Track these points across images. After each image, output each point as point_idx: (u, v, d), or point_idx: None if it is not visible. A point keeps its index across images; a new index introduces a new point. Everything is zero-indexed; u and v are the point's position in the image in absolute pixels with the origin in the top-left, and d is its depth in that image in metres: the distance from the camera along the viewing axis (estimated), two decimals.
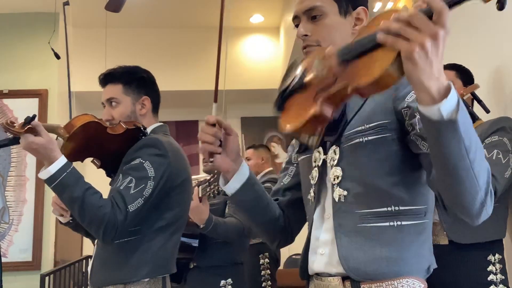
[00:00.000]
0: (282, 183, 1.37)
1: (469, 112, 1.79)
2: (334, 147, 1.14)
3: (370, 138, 1.08)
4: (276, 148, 6.06)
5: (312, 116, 0.98)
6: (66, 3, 3.38)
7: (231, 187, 1.19)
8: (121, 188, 1.62)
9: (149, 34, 5.77)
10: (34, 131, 1.53)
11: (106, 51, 4.50)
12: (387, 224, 1.05)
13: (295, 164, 1.35)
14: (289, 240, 1.34)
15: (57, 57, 3.61)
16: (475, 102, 1.96)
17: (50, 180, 1.55)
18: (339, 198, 1.10)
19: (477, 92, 1.91)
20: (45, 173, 1.55)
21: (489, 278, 1.77)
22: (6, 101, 4.96)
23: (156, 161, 1.68)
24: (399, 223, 1.05)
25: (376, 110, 1.09)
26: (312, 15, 1.18)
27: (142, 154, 1.69)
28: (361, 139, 1.09)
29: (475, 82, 1.96)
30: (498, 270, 1.78)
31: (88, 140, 1.68)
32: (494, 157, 1.77)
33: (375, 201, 1.07)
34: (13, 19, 5.09)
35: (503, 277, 1.78)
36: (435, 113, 0.84)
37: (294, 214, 1.32)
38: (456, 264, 1.80)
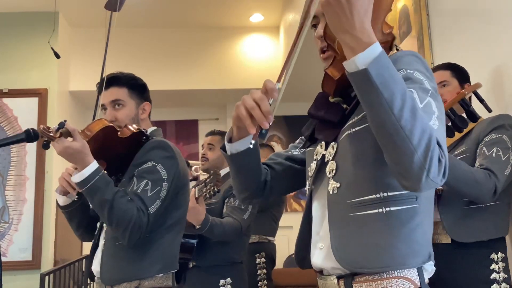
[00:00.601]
0: (290, 152, 1.40)
1: (470, 111, 1.79)
2: (333, 143, 1.17)
3: (357, 128, 1.11)
4: (276, 147, 6.06)
5: (325, 73, 1.17)
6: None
7: (234, 147, 1.20)
8: (139, 191, 1.69)
9: (149, 33, 5.77)
10: (67, 136, 1.60)
11: (106, 51, 4.49)
12: (376, 211, 1.05)
13: None
14: (261, 199, 1.36)
15: (57, 56, 3.60)
16: (477, 102, 1.95)
17: (83, 183, 1.63)
18: (333, 191, 1.12)
19: (478, 91, 1.90)
20: (78, 176, 1.63)
21: (491, 277, 1.76)
22: (6, 100, 4.96)
23: (167, 163, 1.76)
24: (387, 209, 1.05)
25: None
26: None
27: (153, 156, 1.75)
28: (349, 131, 1.12)
29: (476, 81, 1.95)
30: (501, 269, 1.77)
31: (102, 143, 1.75)
32: (494, 155, 1.77)
33: (364, 189, 1.08)
34: (13, 19, 5.09)
35: (506, 275, 1.77)
36: (352, 66, 0.94)
37: (283, 182, 1.36)
38: (459, 263, 1.80)
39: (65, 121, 1.60)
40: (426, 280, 1.07)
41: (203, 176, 3.80)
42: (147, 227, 1.66)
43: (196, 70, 5.78)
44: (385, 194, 1.06)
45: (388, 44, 1.16)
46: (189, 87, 5.78)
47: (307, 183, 1.24)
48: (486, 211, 1.80)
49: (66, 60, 5.30)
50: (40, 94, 4.98)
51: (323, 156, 1.19)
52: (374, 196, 1.06)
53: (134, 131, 1.78)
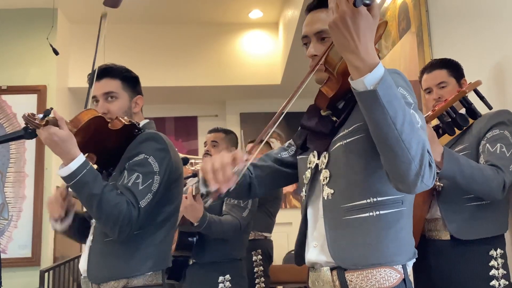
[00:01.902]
0: (279, 155, 1.51)
1: (471, 108, 1.78)
2: (325, 153, 1.28)
3: (348, 140, 1.22)
4: (275, 144, 6.06)
5: (319, 90, 1.26)
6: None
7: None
8: (129, 184, 1.63)
9: (148, 30, 5.75)
10: (54, 124, 1.52)
11: (105, 47, 4.48)
12: (367, 214, 1.18)
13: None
14: (248, 198, 1.45)
15: (56, 53, 3.59)
16: (477, 98, 1.94)
17: (70, 177, 1.55)
18: (328, 196, 1.24)
19: (478, 88, 1.89)
20: (65, 170, 1.54)
21: (491, 273, 1.77)
22: (5, 97, 4.94)
23: (159, 155, 1.70)
24: (377, 212, 1.17)
25: (356, 116, 1.22)
26: (322, 36, 1.31)
27: (144, 149, 1.70)
28: (341, 142, 1.24)
29: (476, 77, 1.95)
30: (500, 265, 1.78)
31: (92, 135, 1.68)
32: (498, 151, 1.77)
33: (356, 195, 1.19)
34: (12, 15, 5.07)
35: (505, 271, 1.78)
36: (360, 85, 1.01)
37: (268, 183, 1.49)
38: (458, 259, 1.81)
39: (51, 108, 1.53)
40: (409, 272, 1.20)
41: None
42: (138, 221, 1.60)
43: (195, 67, 5.77)
44: (374, 199, 1.18)
45: None
46: (188, 83, 5.77)
47: (303, 189, 1.35)
48: (486, 208, 1.80)
49: (65, 56, 5.29)
50: (39, 91, 4.97)
51: (317, 165, 1.30)
52: (365, 201, 1.18)
53: (126, 123, 1.71)
